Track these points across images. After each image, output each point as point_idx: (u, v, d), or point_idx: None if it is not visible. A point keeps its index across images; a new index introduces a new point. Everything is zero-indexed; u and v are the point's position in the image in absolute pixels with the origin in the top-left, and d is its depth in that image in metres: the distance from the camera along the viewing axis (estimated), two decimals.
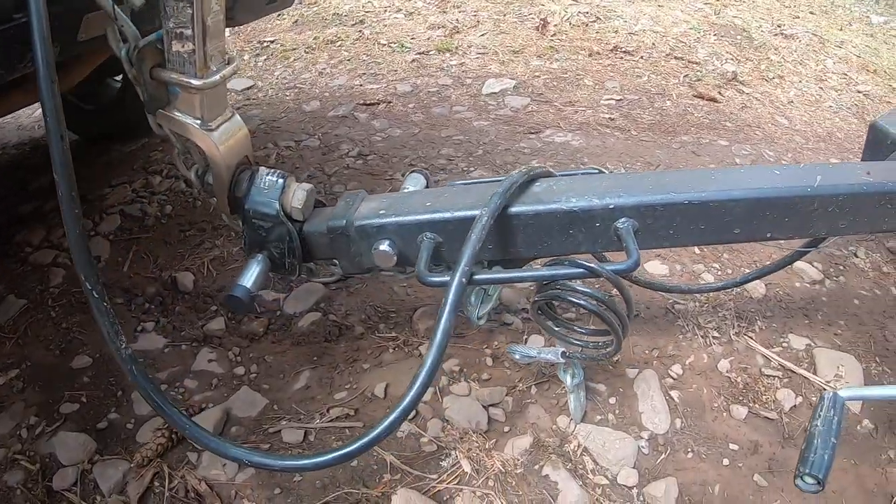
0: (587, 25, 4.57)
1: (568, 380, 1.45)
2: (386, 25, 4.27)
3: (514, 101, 3.31)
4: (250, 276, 1.34)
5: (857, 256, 2.21)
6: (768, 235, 1.33)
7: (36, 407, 1.66)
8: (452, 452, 1.46)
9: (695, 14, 5.23)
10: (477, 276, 1.13)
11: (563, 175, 1.39)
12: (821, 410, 1.11)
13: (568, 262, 1.22)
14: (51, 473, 1.49)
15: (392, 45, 3.89)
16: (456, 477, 1.42)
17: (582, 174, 1.43)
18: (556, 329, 1.39)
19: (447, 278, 1.10)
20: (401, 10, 4.56)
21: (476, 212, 1.19)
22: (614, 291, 1.27)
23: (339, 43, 3.96)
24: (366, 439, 1.07)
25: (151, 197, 2.49)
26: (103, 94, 2.93)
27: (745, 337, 1.84)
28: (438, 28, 4.17)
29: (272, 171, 1.35)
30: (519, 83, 3.52)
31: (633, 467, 1.45)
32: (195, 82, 1.13)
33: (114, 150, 2.95)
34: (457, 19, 4.35)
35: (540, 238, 1.27)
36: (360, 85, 3.45)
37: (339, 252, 1.36)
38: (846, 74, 4.19)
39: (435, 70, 3.61)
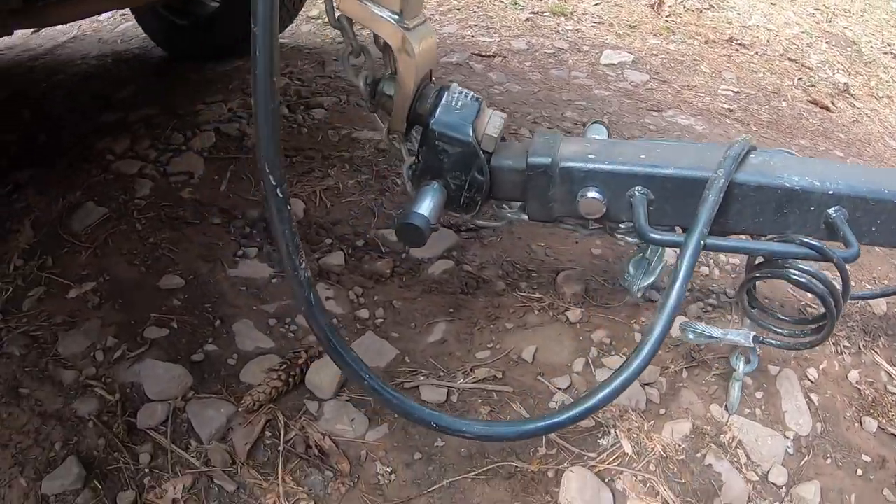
0: (701, 12, 4.44)
1: (740, 366, 1.36)
2: None
3: (633, 75, 3.21)
4: (428, 205, 1.21)
5: None
6: None
7: (115, 327, 1.49)
8: (612, 430, 1.36)
9: (807, 18, 5.06)
10: (710, 241, 1.05)
11: (764, 152, 1.30)
12: None
13: (799, 241, 1.12)
14: (133, 407, 1.32)
15: (505, 1, 3.78)
16: (617, 458, 1.32)
17: (782, 153, 1.35)
18: (753, 311, 1.31)
19: (679, 238, 1.03)
20: None
21: (700, 173, 1.11)
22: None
23: None
24: (587, 404, 0.99)
25: (251, 118, 2.34)
26: (198, 10, 2.81)
27: (872, 351, 1.76)
28: None
29: (465, 90, 1.24)
30: (637, 58, 3.41)
31: (783, 465, 1.38)
32: None
33: (207, 70, 2.83)
34: None
35: (754, 212, 1.19)
36: (472, 36, 3.35)
37: (532, 193, 1.24)
38: None
39: (550, 32, 3.50)
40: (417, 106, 1.24)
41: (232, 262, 1.71)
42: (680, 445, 1.36)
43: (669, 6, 4.34)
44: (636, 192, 1.17)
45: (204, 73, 2.78)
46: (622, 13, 3.95)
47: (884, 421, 1.57)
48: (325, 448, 1.26)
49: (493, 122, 1.22)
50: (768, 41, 4.26)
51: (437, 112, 1.22)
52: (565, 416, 1.02)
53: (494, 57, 3.07)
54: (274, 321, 1.55)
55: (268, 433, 1.30)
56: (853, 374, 1.67)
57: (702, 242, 1.02)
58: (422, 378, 1.44)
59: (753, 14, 4.75)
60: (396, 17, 1.10)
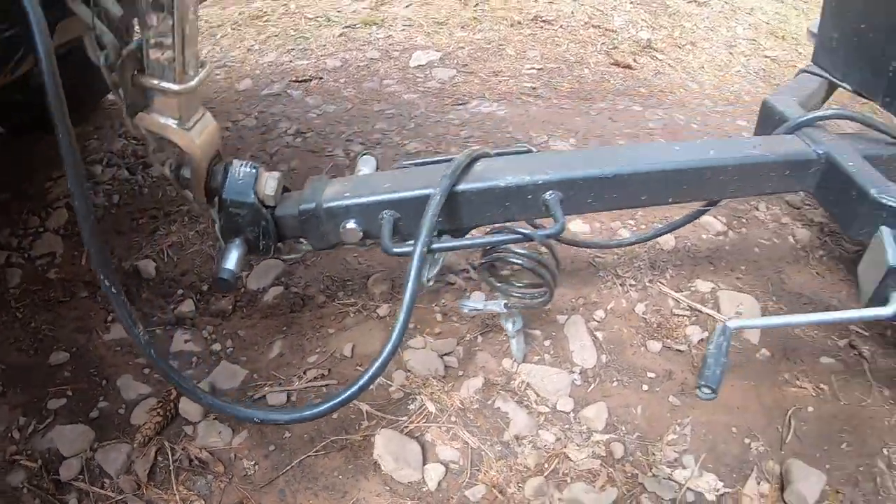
0: None
1: (509, 327, 1.68)
2: None
3: (440, 73, 3.47)
4: (232, 259, 1.49)
5: (758, 210, 2.50)
6: (670, 200, 1.64)
7: (21, 408, 1.73)
8: (417, 397, 1.68)
9: None
10: (434, 246, 1.34)
11: (498, 153, 1.61)
12: (713, 337, 1.37)
13: (507, 230, 1.45)
14: (54, 467, 1.57)
15: (318, 18, 3.97)
16: (423, 416, 1.64)
17: (514, 153, 1.65)
18: (499, 285, 1.62)
19: (410, 249, 1.30)
20: None
21: (429, 191, 1.39)
22: (543, 251, 1.53)
23: (265, 18, 4.00)
24: (357, 385, 1.28)
25: (96, 187, 2.52)
26: (30, 83, 2.82)
27: (658, 284, 2.10)
28: (364, 0, 4.25)
29: (244, 162, 1.51)
30: (445, 55, 3.67)
31: (569, 396, 1.70)
32: (175, 87, 1.24)
33: (46, 142, 2.85)
34: None
35: (481, 210, 1.50)
36: (290, 61, 3.53)
37: (309, 231, 1.53)
38: (755, 40, 4.50)
39: (362, 44, 3.72)
40: (210, 182, 1.50)
41: (104, 328, 1.94)
42: (474, 397, 1.68)
43: None
44: (385, 215, 1.46)
45: (43, 145, 2.82)
46: (431, 11, 4.20)
47: (669, 340, 1.90)
48: (203, 459, 1.58)
49: (269, 184, 1.51)
50: (573, 12, 4.61)
51: (226, 185, 1.49)
52: (328, 405, 1.31)
53: (311, 80, 3.27)
54: (147, 370, 1.82)
55: (160, 458, 1.58)
56: (639, 307, 2.00)
57: (425, 249, 1.30)
58: (267, 388, 1.73)
59: None
60: (178, 121, 1.35)
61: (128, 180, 2.57)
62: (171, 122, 1.32)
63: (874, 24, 1.94)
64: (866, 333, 1.96)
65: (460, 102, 3.12)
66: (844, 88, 2.20)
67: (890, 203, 1.51)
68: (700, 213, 2.01)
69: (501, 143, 2.74)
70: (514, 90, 3.35)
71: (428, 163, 1.67)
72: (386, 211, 1.44)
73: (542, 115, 3.13)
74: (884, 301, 1.37)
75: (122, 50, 1.20)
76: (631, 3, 5.24)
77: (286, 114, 2.97)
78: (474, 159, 1.49)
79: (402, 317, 1.25)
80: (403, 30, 3.90)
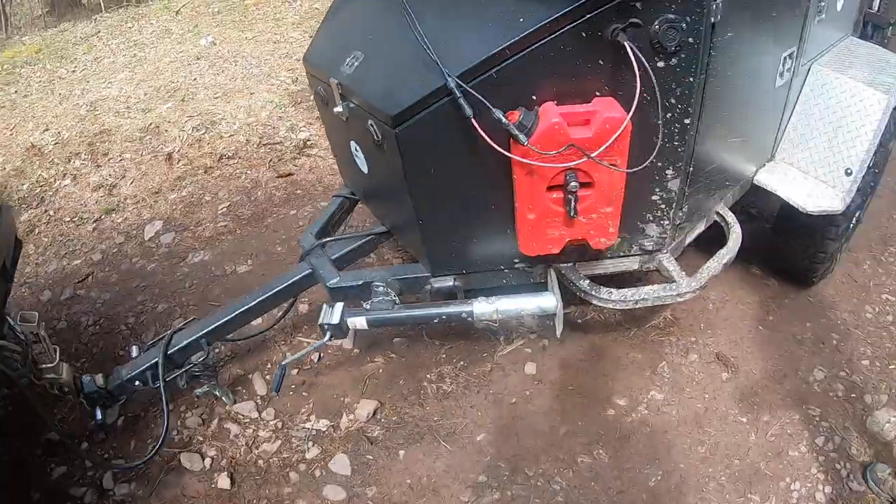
0: (201, 140, 6.36)
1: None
2: (62, 197, 5.68)
3: (165, 238, 5.02)
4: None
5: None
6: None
7: None
8: None
9: (279, 91, 7.26)
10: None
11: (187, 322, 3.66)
12: (278, 372, 3.55)
13: None
14: None
15: (74, 220, 5.55)
16: None
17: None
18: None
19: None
20: (66, 174, 6.00)
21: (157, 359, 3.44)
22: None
23: (36, 230, 5.57)
24: None
25: None
26: None
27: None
28: (100, 188, 5.83)
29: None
30: (165, 220, 5.22)
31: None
32: None
33: None
34: (109, 173, 6.09)
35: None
36: (68, 264, 4.94)
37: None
38: None
39: (110, 231, 5.27)
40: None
41: None
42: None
43: (178, 151, 6.36)
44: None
45: None
46: (148, 182, 5.70)
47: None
48: None
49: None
50: (247, 139, 6.36)
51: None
52: None
53: (87, 277, 5.02)
54: None
55: None
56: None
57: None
58: None
59: (237, 115, 6.72)
60: None
61: None
62: None
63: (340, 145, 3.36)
64: None
65: (181, 259, 5.00)
66: (355, 198, 3.72)
67: (333, 286, 3.12)
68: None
69: (209, 286, 4.57)
70: (214, 233, 5.13)
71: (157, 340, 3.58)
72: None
73: (232, 248, 4.95)
74: None
75: None
76: (294, 105, 7.10)
77: (83, 310, 4.60)
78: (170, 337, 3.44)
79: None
80: (133, 207, 5.49)
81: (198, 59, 8.23)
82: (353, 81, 2.70)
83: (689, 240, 3.16)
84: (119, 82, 7.90)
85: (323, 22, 3.51)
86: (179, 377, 3.20)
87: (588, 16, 2.10)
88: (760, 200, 4.21)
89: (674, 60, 2.22)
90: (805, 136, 3.30)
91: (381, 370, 3.64)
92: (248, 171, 6.01)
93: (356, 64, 2.75)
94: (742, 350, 3.68)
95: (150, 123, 6.65)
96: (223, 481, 3.10)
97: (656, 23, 2.12)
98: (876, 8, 4.78)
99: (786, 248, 3.86)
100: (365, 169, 3.09)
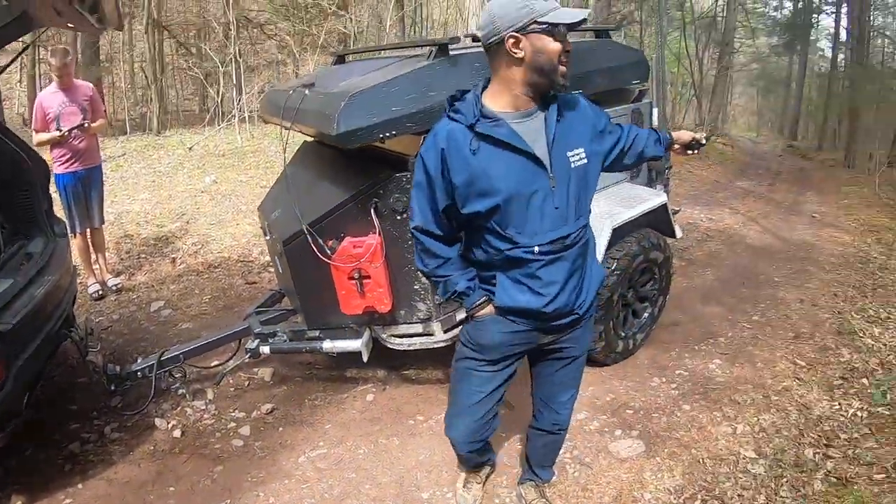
0: (197, 252, 9.19)
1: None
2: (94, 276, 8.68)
3: (165, 312, 7.25)
4: None
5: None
6: None
7: None
8: None
9: (256, 226, 10.05)
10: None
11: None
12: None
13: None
14: None
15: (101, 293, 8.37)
16: None
17: None
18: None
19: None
20: (96, 261, 8.99)
21: None
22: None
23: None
24: None
25: None
26: None
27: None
28: (121, 274, 8.71)
29: None
30: (166, 301, 7.80)
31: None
32: None
33: None
34: (129, 265, 8.94)
35: None
36: (95, 320, 7.89)
37: None
38: None
39: (127, 303, 8.13)
40: None
41: None
42: None
43: (180, 258, 9.25)
44: None
45: None
46: (156, 274, 8.78)
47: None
48: None
49: None
50: (230, 256, 9.17)
51: None
52: None
53: (108, 328, 7.67)
54: None
55: None
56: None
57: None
58: None
59: (225, 239, 9.66)
60: None
61: None
62: None
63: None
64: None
65: (174, 326, 7.46)
66: (281, 291, 6.99)
67: (256, 332, 5.89)
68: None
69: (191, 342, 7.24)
70: (198, 312, 7.81)
71: None
72: None
73: (209, 322, 7.53)
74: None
75: None
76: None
77: (105, 348, 7.32)
78: (162, 353, 6.04)
79: None
80: (144, 290, 8.17)
81: (202, 192, 11.27)
82: (273, 222, 5.52)
83: (459, 316, 5.65)
84: (141, 201, 10.89)
85: (273, 184, 6.43)
86: (163, 376, 5.76)
87: (362, 196, 4.79)
88: None
89: (401, 216, 4.95)
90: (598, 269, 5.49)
91: (282, 389, 6.18)
92: (227, 278, 8.70)
93: (277, 212, 5.58)
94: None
95: (162, 235, 9.51)
96: (177, 432, 5.55)
97: (391, 199, 4.87)
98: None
99: None
100: (280, 271, 5.84)
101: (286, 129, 4.77)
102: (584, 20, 2.60)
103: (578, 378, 3.50)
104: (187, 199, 10.87)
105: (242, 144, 13.95)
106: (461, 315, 3.34)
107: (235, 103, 15.82)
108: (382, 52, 6.87)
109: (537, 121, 2.79)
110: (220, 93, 17.03)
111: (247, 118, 15.74)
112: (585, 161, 2.86)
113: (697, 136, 3.42)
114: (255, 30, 20.31)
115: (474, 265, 3.08)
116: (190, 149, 13.35)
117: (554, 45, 2.61)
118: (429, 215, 2.94)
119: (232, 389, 6.26)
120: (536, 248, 2.84)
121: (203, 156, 13.28)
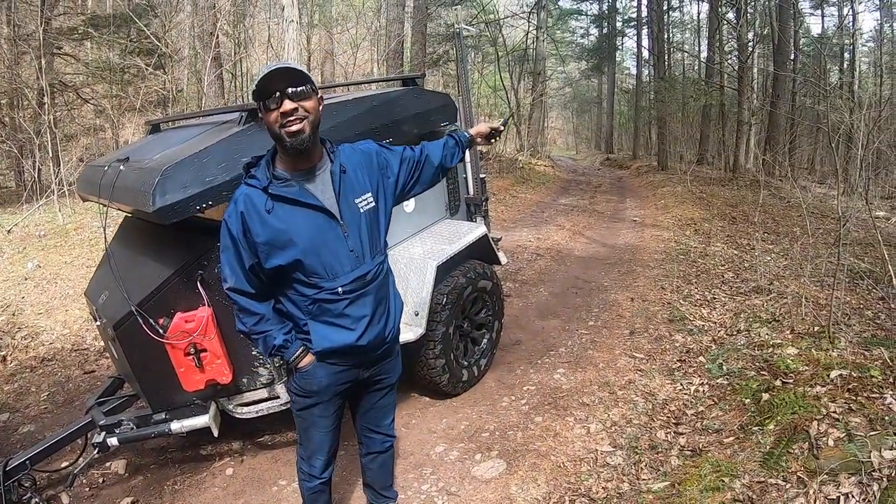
0: (27, 347, 8.38)
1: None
2: None
3: (1, 417, 7.32)
4: None
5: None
6: None
7: None
8: None
9: (87, 310, 9.66)
10: None
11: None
12: None
13: None
14: None
15: None
16: None
17: None
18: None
19: None
20: None
21: None
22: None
23: None
24: None
25: None
26: None
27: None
28: None
29: None
30: (1, 405, 7.55)
31: None
32: None
33: None
34: None
35: None
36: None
37: None
38: None
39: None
40: None
41: None
42: None
43: (10, 354, 8.55)
44: None
45: None
46: None
47: None
48: None
49: None
50: (63, 346, 8.57)
51: None
52: None
53: None
54: None
55: None
56: None
57: None
58: None
59: (55, 328, 9.13)
60: None
61: None
62: None
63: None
64: None
65: (14, 430, 7.01)
66: (121, 377, 6.66)
67: (102, 424, 5.37)
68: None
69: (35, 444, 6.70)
70: (38, 413, 7.32)
71: None
72: None
73: (51, 422, 7.13)
74: None
75: None
76: None
77: None
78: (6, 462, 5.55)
79: None
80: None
81: (25, 279, 10.51)
82: (102, 306, 5.29)
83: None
84: None
85: (96, 269, 6.14)
86: (12, 487, 4.92)
87: (187, 269, 4.50)
88: None
89: None
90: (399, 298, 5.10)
91: (138, 479, 5.81)
92: (63, 370, 8.12)
93: (104, 296, 5.36)
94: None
95: None
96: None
97: (216, 268, 4.62)
98: (471, 193, 6.93)
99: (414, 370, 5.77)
100: (116, 356, 5.59)
101: (104, 206, 4.62)
102: (281, 68, 2.83)
103: (395, 401, 3.85)
104: (10, 288, 10.10)
105: (64, 222, 13.12)
106: (285, 369, 3.51)
107: (54, 177, 14.86)
108: (196, 118, 6.78)
109: (325, 174, 3.08)
110: (37, 167, 15.93)
111: (66, 193, 14.84)
112: (373, 204, 3.18)
113: (494, 125, 3.76)
114: (70, 94, 19.19)
115: (288, 318, 3.26)
116: (9, 232, 12.39)
117: (270, 116, 2.90)
118: (240, 275, 3.12)
119: (87, 489, 5.81)
120: (340, 289, 3.11)
121: (24, 237, 12.38)
